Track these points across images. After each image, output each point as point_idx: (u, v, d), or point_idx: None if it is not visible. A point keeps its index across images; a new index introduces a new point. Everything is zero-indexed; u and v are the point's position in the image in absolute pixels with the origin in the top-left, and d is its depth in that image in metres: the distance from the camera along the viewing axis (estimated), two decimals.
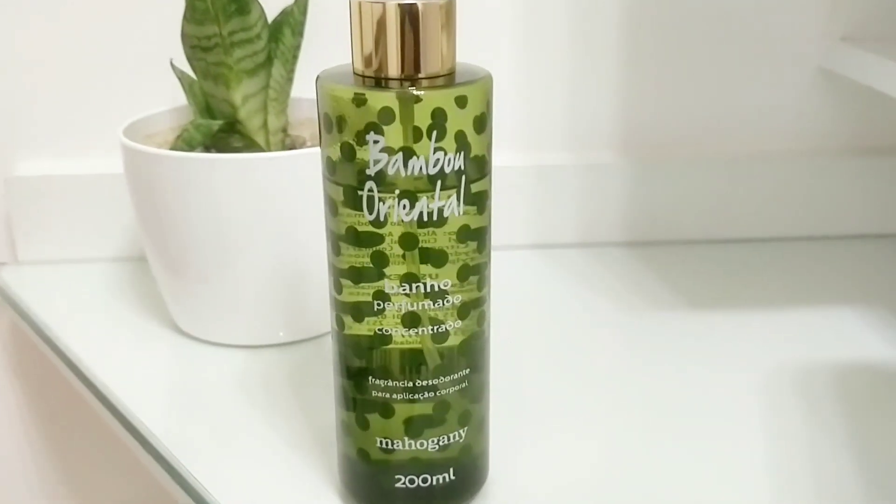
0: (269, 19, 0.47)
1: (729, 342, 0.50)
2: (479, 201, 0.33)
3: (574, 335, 0.51)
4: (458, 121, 0.31)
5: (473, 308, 0.34)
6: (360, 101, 0.31)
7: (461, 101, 0.31)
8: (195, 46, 0.45)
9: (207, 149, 0.48)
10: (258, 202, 0.45)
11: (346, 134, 0.31)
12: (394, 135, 0.31)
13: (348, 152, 0.31)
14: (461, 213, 0.32)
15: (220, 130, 0.47)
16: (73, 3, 0.56)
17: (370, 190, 0.31)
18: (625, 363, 0.48)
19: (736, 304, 0.54)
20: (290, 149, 0.50)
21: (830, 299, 0.55)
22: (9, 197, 0.58)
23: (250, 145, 0.48)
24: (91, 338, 0.51)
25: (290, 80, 0.48)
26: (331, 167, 0.32)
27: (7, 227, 0.59)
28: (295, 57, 0.48)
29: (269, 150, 0.48)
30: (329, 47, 0.49)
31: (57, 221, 0.59)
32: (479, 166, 0.32)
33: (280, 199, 0.45)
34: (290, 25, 0.47)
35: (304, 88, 0.51)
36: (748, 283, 0.57)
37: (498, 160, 0.59)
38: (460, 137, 0.31)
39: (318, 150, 0.43)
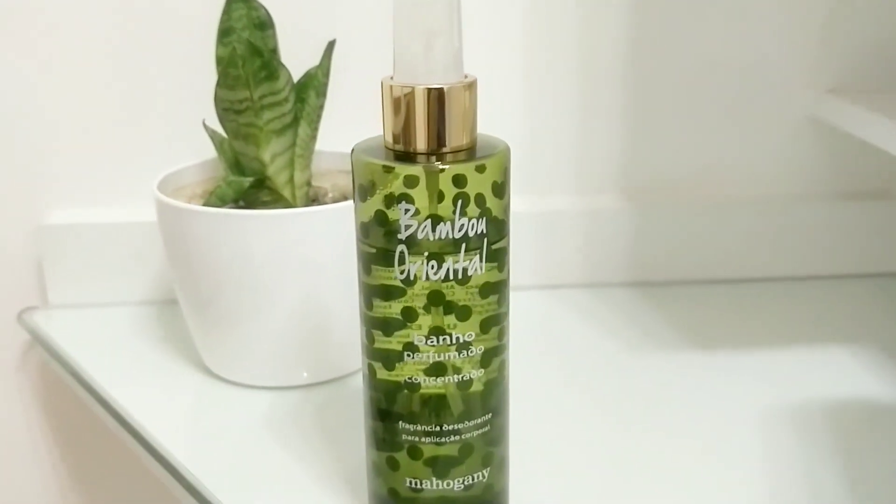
0: (294, 80, 0.50)
1: (728, 380, 0.52)
2: (498, 259, 0.36)
3: (580, 373, 0.54)
4: (479, 189, 0.34)
5: (495, 356, 0.37)
6: (390, 172, 0.34)
7: (481, 170, 0.34)
8: (227, 109, 0.48)
9: (237, 202, 0.51)
10: (285, 253, 0.47)
11: (378, 202, 0.34)
12: (422, 203, 0.34)
13: (381, 218, 0.34)
14: (483, 270, 0.35)
15: (250, 186, 0.49)
16: (108, 59, 0.59)
17: (401, 252, 0.34)
18: (629, 400, 0.51)
19: (735, 342, 0.57)
20: (314, 199, 0.53)
21: (825, 338, 0.57)
22: (40, 244, 0.60)
23: (277, 199, 0.50)
24: (121, 377, 0.53)
25: (314, 137, 0.51)
26: (364, 231, 0.35)
27: (38, 273, 0.62)
28: (319, 116, 0.51)
29: (295, 202, 0.51)
30: (350, 104, 0.53)
31: (85, 267, 0.61)
32: (499, 228, 0.36)
33: (305, 250, 0.48)
34: (314, 87, 0.50)
35: (325, 142, 0.54)
36: (746, 321, 0.60)
37: None
38: (481, 203, 0.34)
39: (339, 205, 0.47)
